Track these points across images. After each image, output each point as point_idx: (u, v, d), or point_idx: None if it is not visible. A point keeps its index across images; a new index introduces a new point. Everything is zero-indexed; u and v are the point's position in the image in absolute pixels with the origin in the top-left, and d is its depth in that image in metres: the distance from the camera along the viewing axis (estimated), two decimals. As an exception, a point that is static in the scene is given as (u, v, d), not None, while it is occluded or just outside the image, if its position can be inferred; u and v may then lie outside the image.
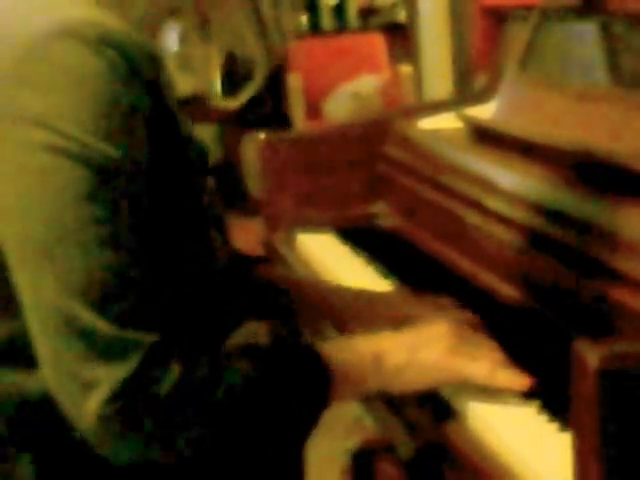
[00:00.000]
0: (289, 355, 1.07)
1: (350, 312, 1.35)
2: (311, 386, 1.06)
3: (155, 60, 1.05)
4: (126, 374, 0.95)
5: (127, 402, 0.96)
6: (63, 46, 0.98)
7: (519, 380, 1.09)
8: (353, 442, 1.99)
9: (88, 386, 0.95)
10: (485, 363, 1.10)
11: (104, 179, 0.96)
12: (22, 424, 1.08)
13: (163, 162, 1.03)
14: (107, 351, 0.95)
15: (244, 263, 1.40)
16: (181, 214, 1.08)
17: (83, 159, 0.96)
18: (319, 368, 1.07)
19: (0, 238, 1.01)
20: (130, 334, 0.96)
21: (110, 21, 1.01)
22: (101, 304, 0.95)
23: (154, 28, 1.15)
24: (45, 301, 0.97)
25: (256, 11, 1.16)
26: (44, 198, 0.96)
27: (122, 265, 0.97)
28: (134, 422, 0.97)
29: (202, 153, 1.23)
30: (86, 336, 0.95)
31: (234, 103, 1.25)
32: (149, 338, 0.97)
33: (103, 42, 0.98)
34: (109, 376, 0.95)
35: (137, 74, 1.00)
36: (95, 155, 0.96)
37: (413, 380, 1.11)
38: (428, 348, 1.11)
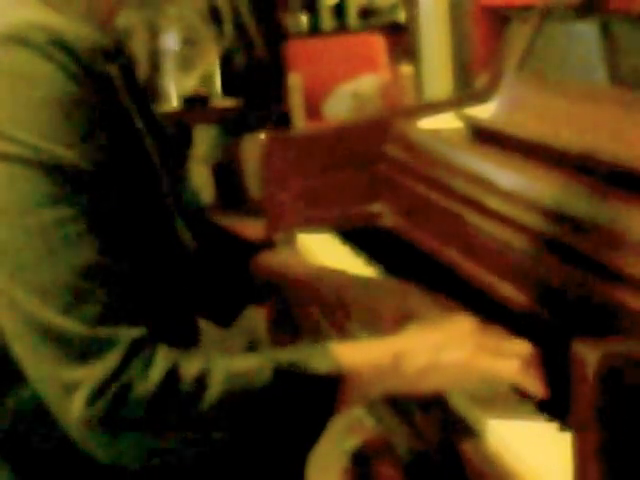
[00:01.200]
0: (292, 359, 1.03)
1: (348, 299, 1.32)
2: (317, 394, 1.02)
3: (107, 55, 1.05)
4: (105, 373, 0.94)
5: (110, 401, 0.95)
6: (10, 52, 0.97)
7: (539, 388, 1.06)
8: (353, 442, 1.98)
9: (69, 389, 0.95)
10: (514, 361, 1.05)
11: (63, 181, 0.96)
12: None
13: (119, 156, 1.03)
14: (84, 352, 0.95)
15: (245, 250, 1.39)
16: (141, 206, 1.07)
17: (39, 164, 0.95)
18: (326, 375, 1.02)
19: None
20: (105, 333, 0.95)
21: (57, 20, 1.01)
22: (72, 306, 0.95)
23: (107, 19, 1.12)
24: (16, 308, 0.96)
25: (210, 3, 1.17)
26: (4, 206, 0.96)
27: (90, 265, 0.96)
28: (120, 422, 0.96)
29: (169, 140, 1.21)
30: (60, 339, 0.95)
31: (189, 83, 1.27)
32: (127, 335, 0.96)
33: (51, 44, 0.97)
34: (88, 377, 0.94)
35: (88, 73, 0.99)
36: (50, 158, 0.96)
37: (438, 381, 1.07)
38: (452, 348, 1.06)
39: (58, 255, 0.95)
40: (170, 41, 5.47)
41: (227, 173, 5.68)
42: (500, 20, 2.03)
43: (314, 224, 1.86)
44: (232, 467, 1.16)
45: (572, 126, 1.43)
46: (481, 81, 2.04)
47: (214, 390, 0.98)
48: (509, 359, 1.06)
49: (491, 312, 1.30)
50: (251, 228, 2.02)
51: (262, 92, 5.65)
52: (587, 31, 1.54)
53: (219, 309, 1.39)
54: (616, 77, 1.46)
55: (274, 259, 1.41)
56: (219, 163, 5.73)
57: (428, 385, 1.07)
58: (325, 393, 1.03)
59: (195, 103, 5.40)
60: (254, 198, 5.25)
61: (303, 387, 1.02)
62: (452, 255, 1.57)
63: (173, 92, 5.42)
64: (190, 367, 0.98)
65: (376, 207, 1.89)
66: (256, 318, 1.65)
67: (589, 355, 0.84)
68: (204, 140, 5.73)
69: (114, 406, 0.95)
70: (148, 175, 1.11)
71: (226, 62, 5.53)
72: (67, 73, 0.97)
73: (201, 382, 0.98)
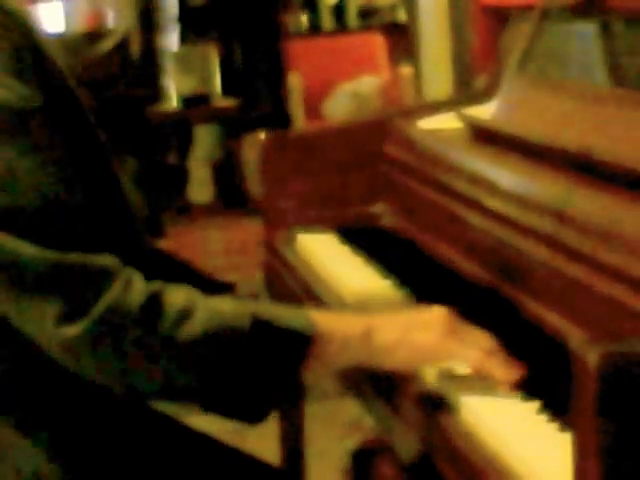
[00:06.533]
0: (270, 311, 1.08)
1: None
2: (288, 347, 1.06)
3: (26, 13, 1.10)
4: (83, 295, 0.97)
5: (94, 321, 0.97)
6: None
7: (508, 372, 1.09)
8: (353, 442, 1.99)
9: (49, 315, 0.97)
10: (477, 350, 1.11)
11: (5, 119, 1.00)
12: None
13: (53, 103, 1.06)
14: (52, 279, 0.97)
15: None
16: (81, 155, 1.10)
17: None
18: (299, 331, 1.06)
19: None
20: (74, 259, 0.98)
21: None
22: (35, 234, 0.97)
23: None
24: None
25: None
26: None
27: (50, 195, 0.99)
28: (107, 341, 0.98)
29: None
30: (23, 268, 0.97)
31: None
32: (98, 261, 0.99)
33: None
34: (66, 300, 0.97)
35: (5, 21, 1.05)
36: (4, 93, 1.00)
37: (403, 359, 1.12)
38: (422, 330, 1.12)
39: (15, 185, 0.98)
40: (170, 41, 5.47)
41: (227, 172, 5.68)
42: (500, 20, 2.03)
43: (314, 224, 1.87)
44: (230, 466, 1.17)
45: (572, 126, 1.43)
46: (481, 81, 2.04)
47: (197, 323, 1.01)
48: (473, 348, 1.11)
49: (490, 311, 1.30)
50: (251, 228, 2.02)
51: (262, 92, 5.65)
52: (587, 31, 1.54)
53: None
54: (616, 77, 1.46)
55: None
56: (219, 163, 5.74)
57: (395, 361, 1.12)
58: (296, 348, 1.06)
59: (195, 103, 5.41)
60: (254, 198, 5.25)
61: (276, 338, 1.06)
62: (452, 255, 1.57)
63: (173, 92, 5.42)
64: (175, 297, 1.01)
65: (376, 207, 1.89)
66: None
67: (589, 355, 0.84)
68: (204, 140, 5.73)
69: (99, 325, 0.97)
70: (85, 129, 1.14)
71: (226, 62, 5.53)
72: None
73: (185, 313, 1.01)
